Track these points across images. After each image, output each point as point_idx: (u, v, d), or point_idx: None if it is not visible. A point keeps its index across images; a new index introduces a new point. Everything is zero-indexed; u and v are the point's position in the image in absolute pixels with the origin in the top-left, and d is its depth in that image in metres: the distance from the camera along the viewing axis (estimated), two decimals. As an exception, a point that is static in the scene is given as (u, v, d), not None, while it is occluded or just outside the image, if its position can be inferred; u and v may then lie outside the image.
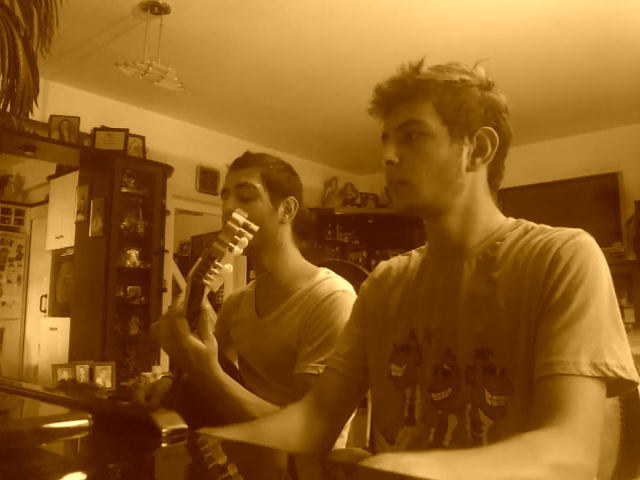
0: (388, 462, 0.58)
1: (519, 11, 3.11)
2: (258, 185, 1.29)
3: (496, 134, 0.88)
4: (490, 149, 0.88)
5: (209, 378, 1.06)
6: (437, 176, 0.86)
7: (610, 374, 0.71)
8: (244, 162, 1.32)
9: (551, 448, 0.65)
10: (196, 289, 1.00)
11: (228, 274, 0.99)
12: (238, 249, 0.97)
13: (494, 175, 0.92)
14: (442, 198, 0.87)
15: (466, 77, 0.88)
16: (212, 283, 0.98)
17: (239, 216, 0.98)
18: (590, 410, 0.70)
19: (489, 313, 0.83)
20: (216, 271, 0.98)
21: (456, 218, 0.89)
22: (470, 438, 0.81)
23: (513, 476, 0.62)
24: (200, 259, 0.99)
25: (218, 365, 1.06)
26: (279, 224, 1.31)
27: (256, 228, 0.99)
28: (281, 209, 1.31)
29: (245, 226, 0.98)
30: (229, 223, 0.97)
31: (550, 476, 0.63)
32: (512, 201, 4.89)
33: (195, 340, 1.03)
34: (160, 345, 1.09)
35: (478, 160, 0.88)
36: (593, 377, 0.71)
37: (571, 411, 0.69)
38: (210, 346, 1.04)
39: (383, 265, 1.06)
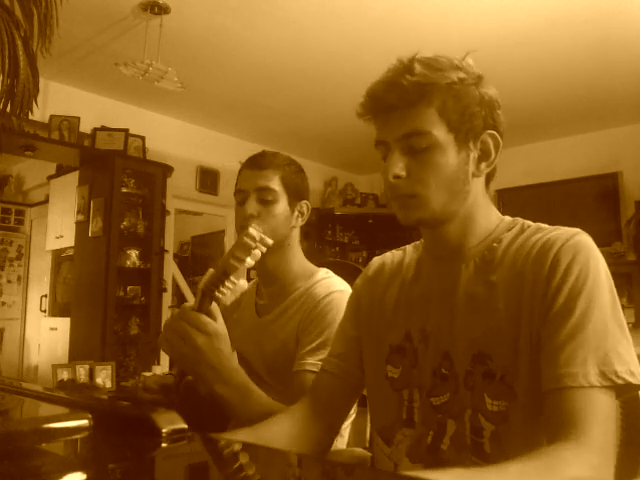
0: None
1: (519, 11, 3.11)
2: (278, 189, 1.27)
3: (499, 138, 0.86)
4: (494, 153, 0.87)
5: (225, 358, 1.03)
6: (446, 187, 0.84)
7: (619, 381, 0.71)
8: (263, 163, 1.29)
9: (569, 463, 0.65)
10: (206, 300, 1.00)
11: (243, 290, 0.98)
12: (251, 261, 0.97)
13: (491, 175, 0.91)
14: (450, 208, 0.85)
15: (462, 75, 0.85)
16: (225, 297, 0.98)
17: (255, 232, 0.96)
18: (603, 421, 0.69)
19: (487, 316, 0.82)
20: (230, 286, 0.97)
21: (458, 224, 0.88)
22: (469, 443, 0.80)
23: None
24: (212, 271, 0.97)
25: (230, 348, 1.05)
26: (292, 227, 1.31)
27: (270, 242, 0.97)
28: (295, 213, 1.31)
29: (260, 240, 0.97)
30: (246, 239, 0.96)
31: None
32: (512, 201, 4.90)
33: (207, 317, 1.01)
34: (169, 349, 1.04)
35: (483, 166, 0.87)
36: (603, 387, 0.70)
37: (585, 425, 0.68)
38: (223, 328, 1.03)
39: (376, 261, 1.04)
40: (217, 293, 0.97)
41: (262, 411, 1.05)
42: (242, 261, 0.96)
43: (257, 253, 0.97)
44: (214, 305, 1.02)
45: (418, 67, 0.83)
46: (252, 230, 0.96)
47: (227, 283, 0.97)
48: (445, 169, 0.83)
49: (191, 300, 1.04)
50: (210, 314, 1.02)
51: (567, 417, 0.69)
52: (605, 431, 0.69)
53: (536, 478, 0.63)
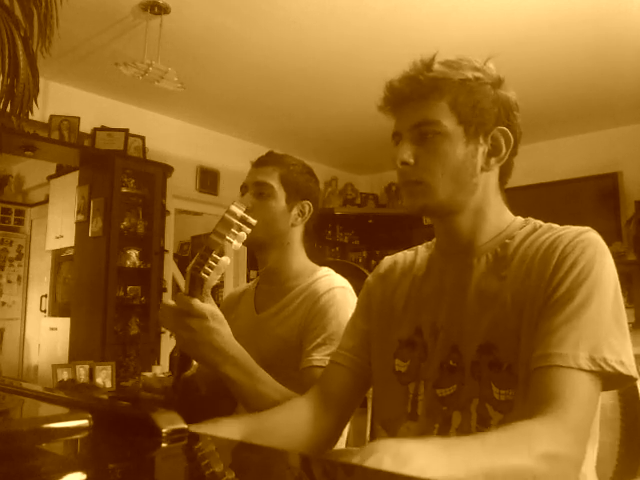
0: (389, 450, 0.59)
1: (519, 11, 3.11)
2: (275, 185, 1.31)
3: (510, 134, 0.88)
4: (505, 149, 0.88)
5: (224, 338, 1.02)
6: (452, 177, 0.86)
7: (608, 369, 0.72)
8: (265, 160, 1.35)
9: (543, 438, 0.67)
10: (195, 283, 0.99)
11: (225, 266, 0.98)
12: (237, 243, 0.97)
13: (505, 174, 0.93)
14: (456, 198, 0.87)
15: (479, 74, 0.87)
16: (210, 276, 0.98)
17: (236, 208, 0.97)
18: (583, 403, 0.71)
19: (496, 310, 0.83)
20: (214, 263, 0.97)
21: (468, 217, 0.89)
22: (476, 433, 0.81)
23: (505, 464, 0.64)
24: (198, 253, 0.98)
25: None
26: (290, 225, 1.33)
27: (254, 222, 0.98)
28: (295, 211, 1.34)
29: (243, 219, 0.97)
30: (226, 215, 0.96)
31: (540, 466, 0.65)
32: (512, 201, 4.86)
33: (204, 303, 1.00)
34: (168, 327, 1.05)
35: (493, 160, 0.89)
36: (591, 371, 0.72)
37: (565, 403, 0.70)
38: (216, 309, 1.02)
39: (388, 260, 1.06)
40: (201, 272, 0.97)
41: (270, 393, 1.06)
42: (223, 236, 0.95)
43: (242, 235, 0.96)
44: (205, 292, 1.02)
45: (437, 65, 0.87)
46: (233, 207, 0.97)
47: (210, 260, 0.96)
48: (452, 158, 0.86)
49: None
50: (202, 300, 1.02)
51: (550, 394, 0.71)
52: (583, 412, 0.71)
53: (510, 449, 0.65)
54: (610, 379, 0.74)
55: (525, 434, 0.67)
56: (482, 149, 0.87)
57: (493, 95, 0.87)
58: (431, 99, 0.86)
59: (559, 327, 0.75)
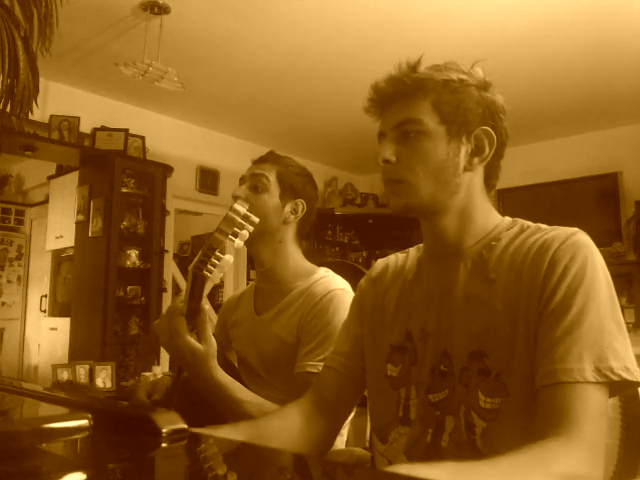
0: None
1: (519, 11, 3.11)
2: (271, 179, 1.32)
3: (494, 134, 0.87)
4: (488, 149, 0.88)
5: (207, 379, 1.06)
6: (434, 176, 0.86)
7: (614, 377, 0.71)
8: (265, 157, 1.37)
9: (560, 458, 0.65)
10: (197, 282, 0.99)
11: (229, 264, 0.99)
12: (239, 241, 0.97)
13: (490, 176, 0.92)
14: (439, 198, 0.87)
15: (464, 77, 0.88)
16: (213, 275, 0.98)
17: (240, 207, 0.97)
18: (595, 418, 0.70)
19: (485, 314, 0.82)
20: (216, 262, 0.97)
21: (452, 219, 0.89)
22: (466, 439, 0.80)
23: None
24: (200, 251, 0.98)
25: (217, 366, 1.06)
26: (282, 222, 1.32)
27: (257, 220, 0.99)
28: (288, 208, 1.33)
29: (246, 218, 0.97)
30: (230, 213, 0.97)
31: None
32: (511, 201, 4.89)
33: (192, 341, 1.02)
34: (160, 343, 1.09)
35: (475, 160, 0.88)
36: (597, 382, 0.71)
37: (577, 420, 0.68)
38: (207, 348, 1.04)
39: (380, 263, 1.06)
40: (205, 271, 0.97)
41: (253, 413, 1.09)
42: (226, 234, 0.96)
43: (245, 233, 0.97)
44: (203, 304, 1.03)
45: (422, 67, 0.88)
46: (237, 205, 0.98)
47: (213, 259, 0.97)
48: (433, 157, 0.86)
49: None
50: (199, 311, 1.02)
51: (560, 412, 0.70)
52: (597, 428, 0.70)
53: (527, 472, 0.64)
54: (615, 385, 0.73)
55: (540, 455, 0.65)
56: (465, 149, 0.87)
57: (477, 96, 0.87)
58: (414, 98, 0.86)
59: (561, 340, 0.73)
